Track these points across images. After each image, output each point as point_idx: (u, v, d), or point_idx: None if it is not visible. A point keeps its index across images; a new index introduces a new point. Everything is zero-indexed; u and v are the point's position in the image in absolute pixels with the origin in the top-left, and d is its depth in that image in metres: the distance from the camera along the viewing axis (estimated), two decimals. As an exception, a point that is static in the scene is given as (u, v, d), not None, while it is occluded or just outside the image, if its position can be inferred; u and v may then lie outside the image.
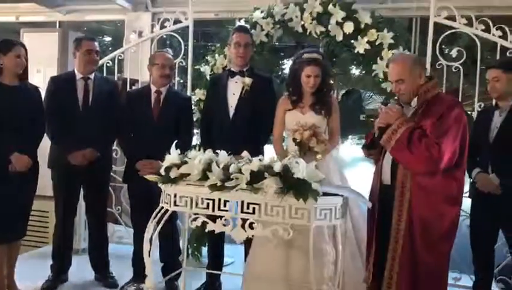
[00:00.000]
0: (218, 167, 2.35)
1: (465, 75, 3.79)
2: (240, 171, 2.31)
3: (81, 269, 3.74)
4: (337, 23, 3.77)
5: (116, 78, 4.40)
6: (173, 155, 2.48)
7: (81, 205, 3.86)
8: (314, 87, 3.10)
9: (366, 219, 2.85)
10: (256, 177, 2.28)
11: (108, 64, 4.46)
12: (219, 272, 3.54)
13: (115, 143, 3.94)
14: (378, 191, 2.68)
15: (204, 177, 2.39)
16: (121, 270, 3.70)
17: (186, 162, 2.44)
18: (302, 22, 3.86)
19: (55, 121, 3.38)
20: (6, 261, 3.20)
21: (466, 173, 3.37)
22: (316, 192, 2.22)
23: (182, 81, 4.54)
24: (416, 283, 2.55)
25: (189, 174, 2.42)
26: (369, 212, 2.79)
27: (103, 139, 3.51)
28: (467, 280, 3.66)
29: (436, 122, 2.51)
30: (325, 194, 2.32)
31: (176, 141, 2.54)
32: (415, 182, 2.54)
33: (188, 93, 4.20)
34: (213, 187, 2.34)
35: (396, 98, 2.79)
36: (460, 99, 3.72)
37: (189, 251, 4.15)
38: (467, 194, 3.49)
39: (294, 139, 2.92)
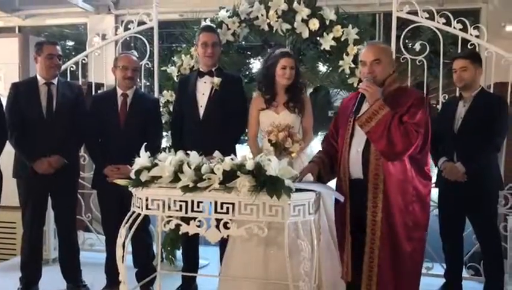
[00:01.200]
0: (190, 168, 2.33)
1: (429, 68, 3.87)
2: (212, 171, 2.29)
3: (52, 279, 3.62)
4: (303, 20, 3.79)
5: (80, 83, 4.30)
6: (143, 158, 2.43)
7: (50, 213, 3.77)
8: (290, 80, 3.12)
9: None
10: (229, 176, 2.27)
11: (72, 69, 4.37)
12: (195, 274, 3.51)
13: (82, 149, 3.85)
14: (347, 186, 2.63)
15: (176, 179, 2.35)
16: (94, 278, 3.61)
17: (156, 165, 2.40)
18: (268, 20, 3.86)
19: (18, 128, 3.28)
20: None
21: (432, 161, 3.47)
22: (289, 188, 2.21)
23: (148, 83, 4.48)
24: (397, 273, 2.56)
25: (160, 177, 2.38)
26: (336, 209, 2.77)
27: (69, 145, 3.41)
28: (439, 269, 3.74)
29: (404, 112, 2.52)
30: (298, 190, 2.32)
31: (145, 144, 2.49)
32: (387, 171, 2.52)
33: (156, 95, 4.16)
34: (185, 189, 2.31)
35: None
36: (425, 92, 3.81)
37: (163, 255, 4.11)
38: (434, 185, 3.58)
39: (269, 141, 2.92)
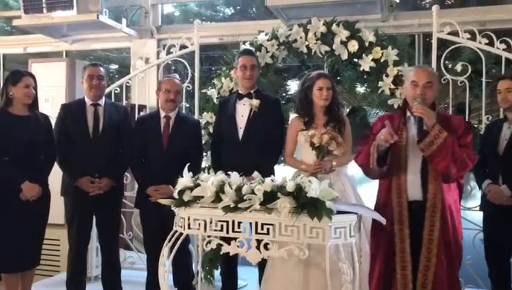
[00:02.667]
0: (231, 188, 2.36)
1: (471, 88, 3.81)
2: (252, 192, 2.31)
3: (94, 296, 3.73)
4: (342, 42, 3.82)
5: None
6: (186, 178, 2.48)
7: (93, 231, 3.87)
8: (327, 100, 3.14)
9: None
10: (270, 197, 2.28)
11: (116, 92, 4.52)
12: (235, 294, 3.52)
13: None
14: (406, 208, 2.62)
15: (217, 199, 2.39)
16: (134, 296, 3.68)
17: (199, 185, 2.44)
18: (307, 43, 3.91)
19: (65, 147, 3.42)
20: (20, 289, 3.20)
21: (476, 184, 3.41)
22: (330, 210, 2.21)
23: (188, 105, 4.58)
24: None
25: (202, 197, 2.42)
26: (373, 229, 2.75)
27: (117, 167, 3.53)
28: (484, 295, 3.62)
29: (459, 135, 2.60)
30: (339, 212, 2.32)
31: (188, 164, 2.54)
32: (444, 191, 2.58)
33: (196, 117, 4.24)
34: (226, 209, 2.34)
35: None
36: (467, 113, 3.76)
37: (202, 275, 4.14)
38: (478, 208, 3.49)
39: (312, 144, 2.92)
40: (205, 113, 4.17)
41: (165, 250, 2.56)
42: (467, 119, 3.64)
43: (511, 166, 3.13)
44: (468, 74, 3.74)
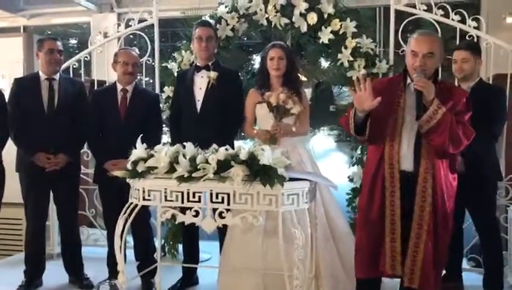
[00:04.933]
0: (185, 158, 2.36)
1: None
2: (206, 161, 2.32)
3: (56, 273, 3.68)
4: (301, 14, 3.81)
5: (83, 81, 4.36)
6: (139, 149, 2.47)
7: (53, 208, 3.82)
8: (279, 70, 3.15)
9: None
10: (223, 166, 2.29)
11: (74, 66, 4.42)
12: (195, 266, 3.54)
13: (85, 145, 3.89)
14: (398, 179, 2.56)
15: (171, 169, 2.38)
16: (98, 272, 3.66)
17: (152, 156, 2.43)
18: (267, 15, 3.89)
19: (18, 122, 3.34)
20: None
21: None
22: (282, 177, 2.24)
23: (151, 80, 4.53)
24: (437, 264, 2.58)
25: (156, 168, 2.41)
26: (368, 199, 2.66)
27: (72, 141, 3.46)
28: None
29: (458, 110, 2.52)
30: (294, 180, 2.35)
31: (141, 136, 2.51)
32: (436, 166, 2.51)
33: (157, 91, 4.19)
34: (181, 179, 2.34)
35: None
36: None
37: (166, 249, 4.16)
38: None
39: (269, 104, 2.93)
40: (166, 87, 4.13)
41: (120, 222, 2.54)
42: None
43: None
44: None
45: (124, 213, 2.56)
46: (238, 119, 3.36)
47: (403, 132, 2.58)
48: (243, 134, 3.62)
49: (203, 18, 4.04)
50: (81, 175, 4.23)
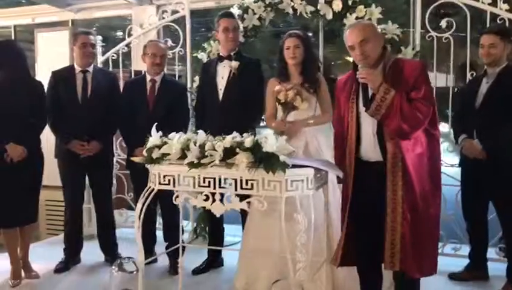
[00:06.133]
0: (195, 145, 2.48)
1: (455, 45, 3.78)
2: (214, 148, 2.44)
3: (93, 252, 3.95)
4: (326, 1, 3.82)
5: (122, 71, 4.60)
6: (154, 137, 2.62)
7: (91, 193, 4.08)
8: (295, 58, 3.18)
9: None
10: (230, 153, 2.40)
11: (113, 58, 4.66)
12: (219, 248, 3.69)
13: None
14: (353, 168, 2.60)
15: (183, 156, 2.52)
16: (133, 252, 3.88)
17: (166, 143, 2.58)
18: (292, 3, 3.93)
19: (55, 112, 3.58)
20: (20, 244, 3.45)
21: (453, 139, 3.40)
22: (285, 164, 2.31)
23: (180, 69, 4.70)
24: (418, 246, 2.50)
25: (169, 154, 2.56)
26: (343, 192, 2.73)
27: (106, 131, 3.69)
28: (466, 250, 3.66)
29: (411, 87, 2.45)
30: (299, 166, 2.41)
31: (155, 124, 2.66)
32: (404, 149, 2.46)
33: (188, 80, 4.35)
34: (191, 165, 2.47)
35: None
36: (452, 70, 3.74)
37: (197, 232, 4.34)
38: (457, 165, 3.51)
39: (278, 100, 3.00)
40: (197, 77, 4.27)
41: (139, 205, 2.71)
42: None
43: (486, 120, 3.12)
44: (452, 30, 3.69)
45: (143, 197, 2.73)
46: (259, 108, 3.44)
47: (363, 124, 2.57)
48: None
49: (230, 9, 4.14)
50: (120, 161, 4.53)
